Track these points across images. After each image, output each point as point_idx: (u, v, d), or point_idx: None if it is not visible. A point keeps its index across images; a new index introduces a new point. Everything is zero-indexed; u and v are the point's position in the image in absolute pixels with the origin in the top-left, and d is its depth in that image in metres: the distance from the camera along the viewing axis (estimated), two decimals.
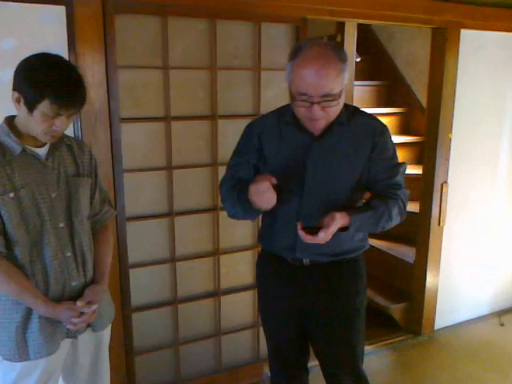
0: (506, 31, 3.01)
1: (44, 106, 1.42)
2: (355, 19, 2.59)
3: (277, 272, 1.82)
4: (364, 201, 1.74)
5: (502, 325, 3.40)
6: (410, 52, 4.33)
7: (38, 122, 1.45)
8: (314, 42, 1.57)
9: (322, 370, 1.91)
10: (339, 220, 1.52)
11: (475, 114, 3.07)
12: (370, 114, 1.75)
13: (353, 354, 1.84)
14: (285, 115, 1.69)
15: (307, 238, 1.51)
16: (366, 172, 1.67)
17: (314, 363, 2.01)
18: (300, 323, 1.85)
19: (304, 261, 1.74)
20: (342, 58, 1.53)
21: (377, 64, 4.68)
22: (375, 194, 1.70)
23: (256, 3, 2.24)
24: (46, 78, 1.41)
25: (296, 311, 1.82)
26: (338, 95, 1.54)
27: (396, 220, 1.68)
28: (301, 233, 1.51)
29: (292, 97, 1.58)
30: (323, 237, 1.50)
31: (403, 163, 1.74)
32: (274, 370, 2.05)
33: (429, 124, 3.03)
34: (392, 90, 4.53)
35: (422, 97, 4.23)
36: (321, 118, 1.56)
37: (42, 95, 1.40)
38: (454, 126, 2.97)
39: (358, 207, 1.69)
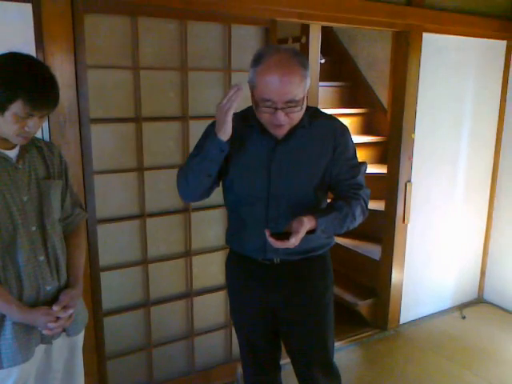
0: (464, 35, 3.14)
1: (16, 107, 1.38)
2: (322, 22, 2.64)
3: (247, 271, 1.83)
4: (327, 201, 1.78)
5: (464, 318, 3.53)
6: (371, 54, 4.44)
7: (9, 123, 1.41)
8: (275, 49, 1.58)
9: (294, 366, 1.94)
10: (307, 224, 1.54)
11: (436, 114, 3.18)
12: (330, 115, 1.79)
13: (324, 348, 1.88)
14: (248, 118, 1.70)
15: (277, 244, 1.52)
16: (328, 172, 1.71)
17: (286, 361, 2.03)
18: (271, 321, 1.87)
19: (275, 260, 1.76)
20: (303, 64, 1.56)
21: (339, 66, 4.77)
22: (338, 194, 1.73)
23: (226, 5, 2.25)
24: (18, 78, 1.38)
25: (267, 309, 1.84)
26: (301, 101, 1.57)
27: (359, 219, 1.71)
28: (270, 240, 1.52)
29: (254, 102, 1.60)
30: (293, 242, 1.52)
31: (364, 163, 1.78)
32: (247, 369, 2.07)
33: (392, 124, 3.12)
34: (354, 90, 4.63)
35: (383, 98, 4.36)
36: (285, 123, 1.58)
37: (14, 96, 1.37)
38: (416, 126, 3.07)
39: (322, 209, 1.71)
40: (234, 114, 1.68)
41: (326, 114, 1.78)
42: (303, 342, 1.86)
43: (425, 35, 2.94)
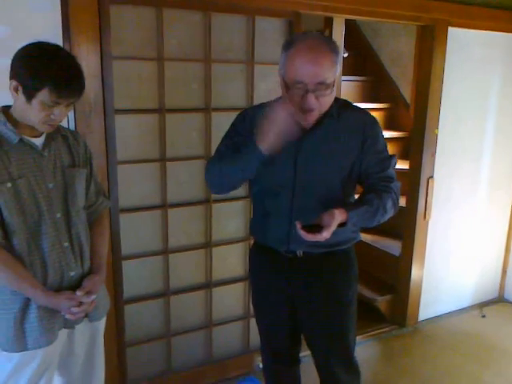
0: (491, 30, 3.08)
1: (43, 95, 1.41)
2: (347, 15, 2.62)
3: (269, 263, 1.84)
4: (357, 195, 1.76)
5: (484, 317, 3.49)
6: (395, 49, 4.39)
7: (36, 111, 1.44)
8: (306, 35, 1.59)
9: (314, 359, 1.94)
10: (338, 217, 1.52)
11: (460, 110, 3.13)
12: (360, 108, 1.77)
13: (345, 343, 1.87)
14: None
15: (308, 237, 1.51)
16: (357, 165, 1.69)
17: (305, 353, 2.04)
18: (292, 314, 1.87)
19: (298, 252, 1.76)
20: (334, 49, 1.56)
21: (362, 60, 4.72)
22: (368, 187, 1.71)
23: None
24: (45, 67, 1.41)
25: (289, 302, 1.85)
26: (332, 85, 1.56)
27: (390, 213, 1.69)
28: (301, 232, 1.51)
29: (285, 87, 1.59)
30: (325, 236, 1.50)
31: (393, 156, 1.76)
32: (266, 361, 2.09)
33: (415, 120, 3.08)
34: (377, 85, 4.59)
35: (406, 93, 4.31)
36: (315, 107, 1.56)
37: (41, 84, 1.39)
38: (440, 122, 3.03)
39: (353, 202, 1.70)
40: (263, 103, 1.69)
41: (356, 106, 1.77)
42: (324, 336, 1.85)
43: (450, 30, 2.89)
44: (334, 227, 1.51)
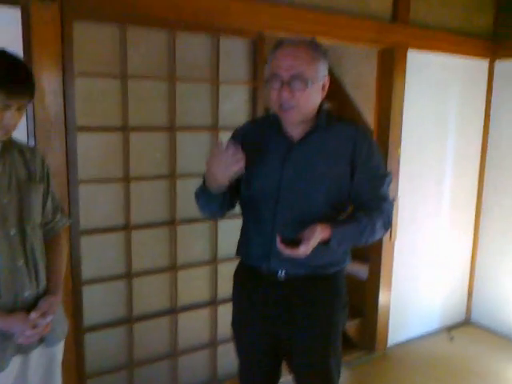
0: (449, 52, 3.19)
1: None
2: (309, 36, 2.66)
3: (251, 285, 1.74)
4: (346, 214, 1.69)
5: (452, 339, 3.50)
6: (357, 74, 4.50)
7: None
8: (294, 38, 1.61)
9: None
10: (320, 233, 1.47)
11: (421, 132, 3.21)
12: (353, 121, 1.73)
13: (328, 374, 1.74)
14: (269, 119, 1.69)
15: (287, 252, 1.46)
16: (345, 180, 1.62)
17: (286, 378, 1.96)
18: (273, 344, 1.77)
19: (279, 273, 1.66)
20: (317, 49, 1.56)
21: None
22: (359, 205, 1.65)
23: (215, 16, 2.27)
24: None
25: (270, 332, 1.74)
26: (310, 81, 1.51)
27: (379, 233, 1.62)
28: (280, 246, 1.46)
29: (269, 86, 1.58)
30: (303, 251, 1.44)
31: (389, 173, 1.69)
32: None
33: (378, 141, 3.12)
34: (340, 109, 4.67)
35: (369, 117, 4.39)
36: (291, 102, 1.53)
37: None
38: (402, 143, 3.08)
39: (340, 220, 1.64)
40: (256, 118, 1.68)
41: (349, 120, 1.73)
42: (305, 366, 1.74)
43: (410, 52, 2.98)
44: (313, 243, 1.45)
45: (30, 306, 1.49)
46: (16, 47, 1.86)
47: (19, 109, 1.42)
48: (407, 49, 2.97)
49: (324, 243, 1.50)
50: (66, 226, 1.76)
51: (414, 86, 3.07)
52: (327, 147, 1.63)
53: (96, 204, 2.19)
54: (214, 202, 1.65)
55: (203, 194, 1.65)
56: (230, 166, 1.49)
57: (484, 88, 3.49)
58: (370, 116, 4.02)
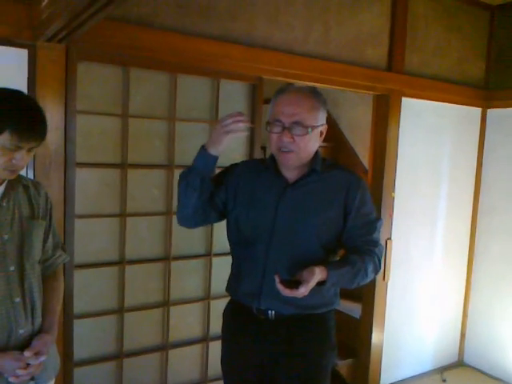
0: (441, 101, 3.29)
1: (4, 139, 1.37)
2: (306, 81, 2.73)
3: (240, 324, 1.76)
4: (338, 256, 1.73)
5: (444, 381, 3.46)
6: (353, 117, 4.60)
7: None
8: (296, 86, 1.68)
9: None
10: (318, 274, 1.50)
11: (415, 175, 3.27)
12: (348, 168, 1.79)
13: None
14: (265, 161, 1.74)
15: (286, 292, 1.48)
16: (337, 224, 1.66)
17: None
18: (260, 379, 1.75)
19: (269, 313, 1.68)
20: (318, 98, 1.63)
21: None
22: (351, 248, 1.68)
23: (216, 61, 2.35)
24: (6, 110, 1.38)
25: (257, 366, 1.74)
26: (310, 128, 1.58)
27: (371, 276, 1.66)
28: (279, 286, 1.48)
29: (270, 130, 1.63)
30: (303, 292, 1.47)
31: (380, 219, 1.75)
32: None
33: (373, 183, 3.18)
34: (337, 151, 4.74)
35: (364, 159, 4.47)
36: (291, 147, 1.58)
37: (2, 127, 1.36)
38: (396, 185, 3.14)
39: (335, 262, 1.67)
40: (253, 158, 1.71)
41: (344, 166, 1.79)
42: None
43: (404, 99, 3.08)
44: (312, 284, 1.48)
45: (24, 344, 1.48)
46: (21, 84, 1.92)
47: (29, 150, 1.44)
48: (401, 96, 3.06)
49: (318, 284, 1.53)
50: (66, 262, 1.77)
51: (408, 131, 3.15)
52: (321, 191, 1.67)
53: (91, 238, 2.22)
54: (195, 183, 1.62)
55: (189, 172, 1.65)
56: (231, 125, 1.54)
57: (476, 135, 3.57)
58: (365, 158, 4.10)
